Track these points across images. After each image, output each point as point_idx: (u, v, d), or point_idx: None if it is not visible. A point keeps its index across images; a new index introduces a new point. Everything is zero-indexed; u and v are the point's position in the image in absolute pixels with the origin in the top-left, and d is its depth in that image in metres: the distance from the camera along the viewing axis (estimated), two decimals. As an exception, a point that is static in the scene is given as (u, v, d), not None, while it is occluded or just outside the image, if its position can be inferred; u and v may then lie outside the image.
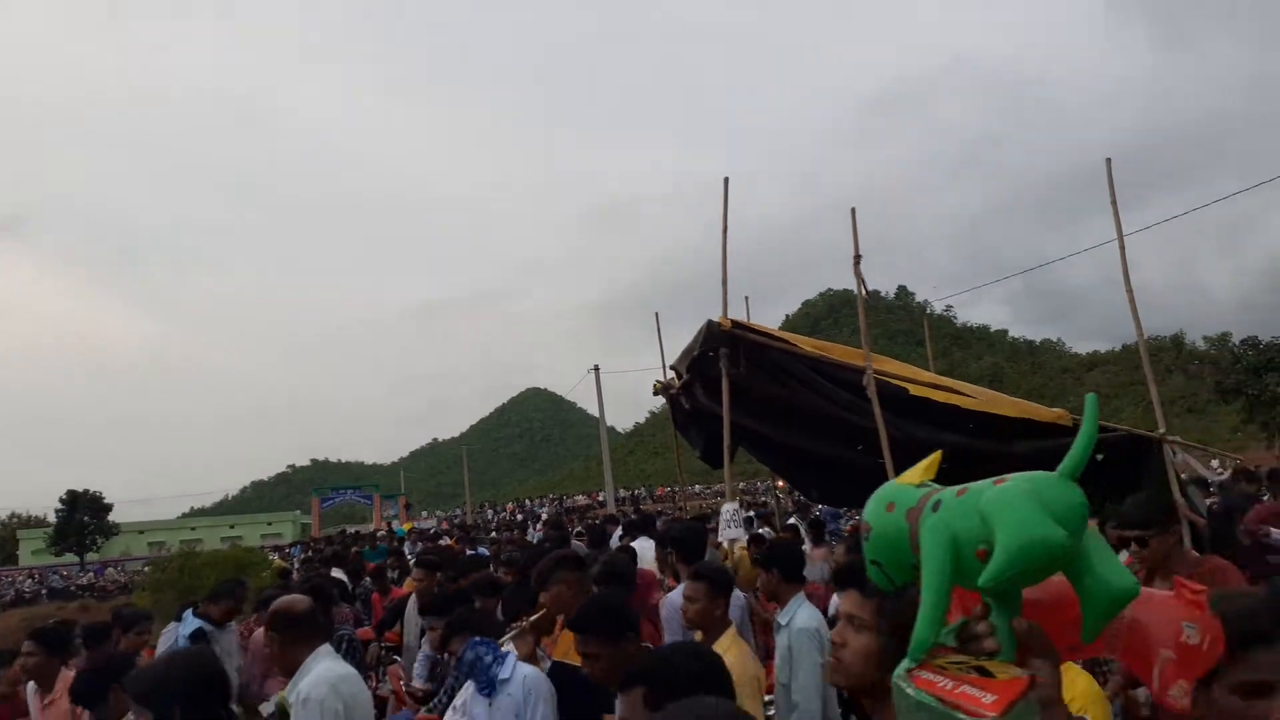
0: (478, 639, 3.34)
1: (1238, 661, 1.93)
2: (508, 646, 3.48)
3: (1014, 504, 1.13)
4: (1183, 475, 7.22)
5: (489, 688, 3.23)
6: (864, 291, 7.31)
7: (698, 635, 4.06)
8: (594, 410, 30.74)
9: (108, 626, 6.46)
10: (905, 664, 1.20)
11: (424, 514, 65.34)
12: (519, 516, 41.79)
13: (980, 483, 1.22)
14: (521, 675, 3.29)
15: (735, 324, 7.04)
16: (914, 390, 6.92)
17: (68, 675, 5.07)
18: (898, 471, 5.28)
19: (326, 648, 3.44)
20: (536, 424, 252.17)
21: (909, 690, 1.16)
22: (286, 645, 3.38)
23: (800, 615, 4.28)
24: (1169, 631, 1.35)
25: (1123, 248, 7.53)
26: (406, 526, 34.39)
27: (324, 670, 3.24)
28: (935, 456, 1.43)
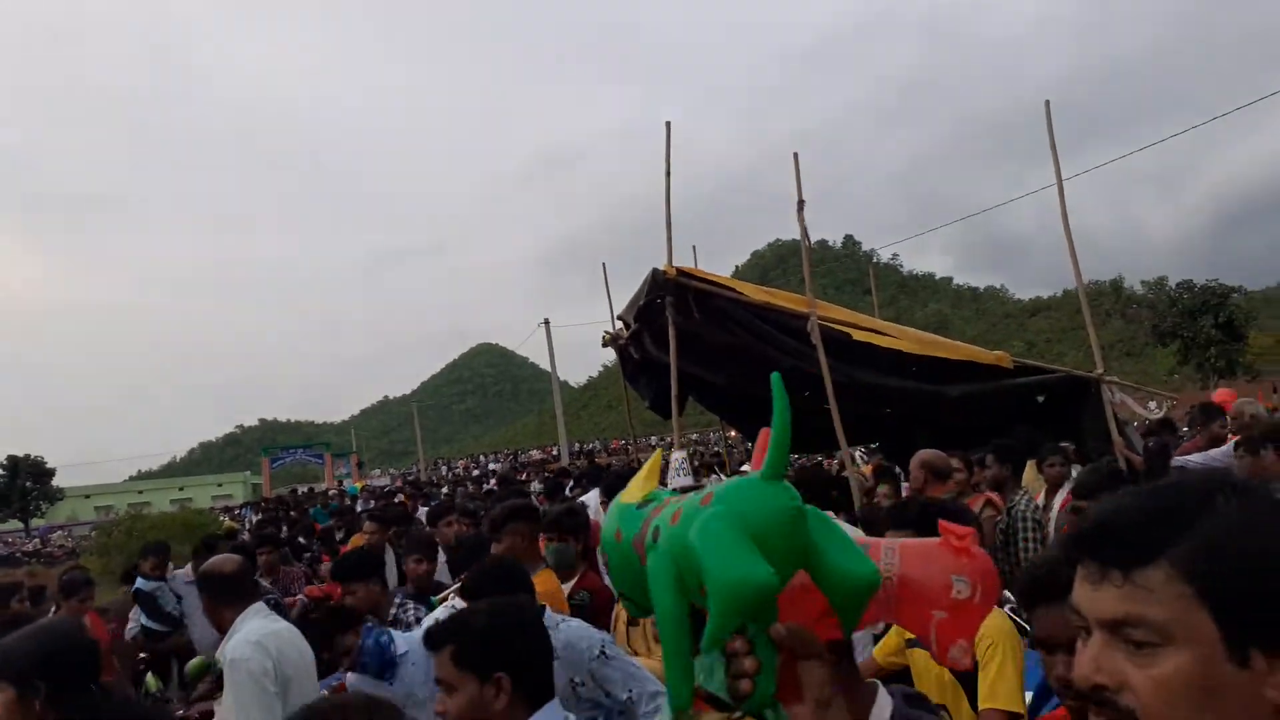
0: (369, 624, 3.16)
1: (1031, 618, 1.96)
2: (445, 606, 3.41)
3: (715, 539, 1.02)
4: (1121, 415, 7.41)
5: (392, 669, 3.07)
6: (808, 238, 7.31)
7: None
8: (546, 365, 30.67)
9: (43, 589, 6.46)
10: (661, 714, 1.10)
11: (376, 472, 64.98)
12: (474, 472, 41.74)
13: (692, 499, 1.14)
14: (416, 641, 3.12)
15: (680, 271, 7.01)
16: (857, 335, 6.97)
17: None
18: (843, 416, 5.34)
19: (257, 606, 3.39)
20: (489, 379, 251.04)
21: None
22: (217, 606, 3.36)
23: None
24: (939, 585, 1.29)
25: (1062, 192, 7.60)
26: (359, 485, 34.18)
27: (250, 630, 3.20)
28: (655, 460, 1.36)
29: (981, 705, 2.66)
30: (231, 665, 3.11)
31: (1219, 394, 7.98)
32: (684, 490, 5.04)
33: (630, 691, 3.02)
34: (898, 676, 2.90)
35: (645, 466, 1.32)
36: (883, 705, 1.53)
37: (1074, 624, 0.93)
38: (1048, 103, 7.95)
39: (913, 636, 2.84)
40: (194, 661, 5.31)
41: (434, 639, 2.17)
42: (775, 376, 1.16)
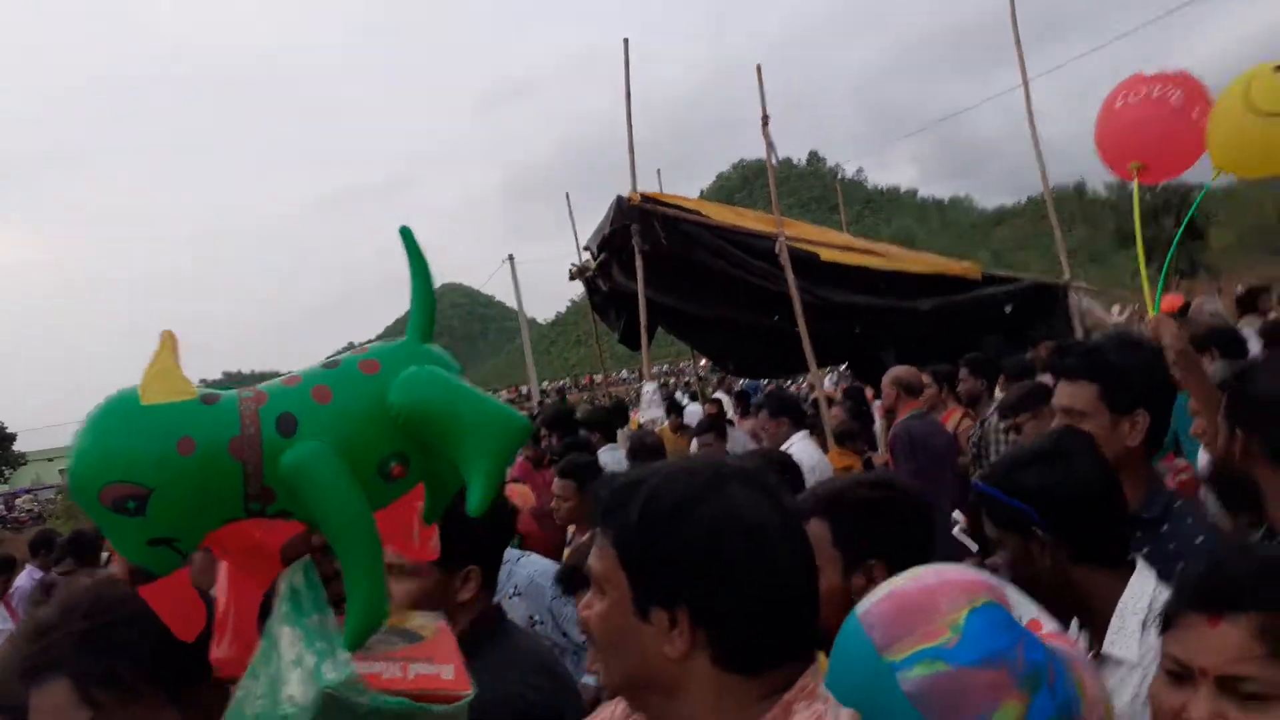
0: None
1: None
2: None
3: (453, 385, 0.92)
4: (1087, 322, 7.43)
5: None
6: (773, 156, 7.16)
7: (571, 531, 3.98)
8: (512, 303, 30.34)
9: (12, 560, 6.36)
10: (342, 666, 0.87)
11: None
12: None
13: (328, 373, 0.95)
14: None
15: (644, 197, 6.86)
16: (825, 255, 6.90)
17: None
18: (813, 337, 5.24)
19: None
20: (455, 321, 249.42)
21: (363, 699, 0.86)
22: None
23: None
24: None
25: (1028, 93, 7.49)
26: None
27: None
28: (171, 344, 0.93)
29: None
30: None
31: (1165, 300, 7.99)
32: (654, 421, 4.96)
33: None
34: None
35: (162, 359, 0.90)
36: None
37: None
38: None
39: None
40: None
41: None
42: (404, 230, 1.01)
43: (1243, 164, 2.96)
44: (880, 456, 5.54)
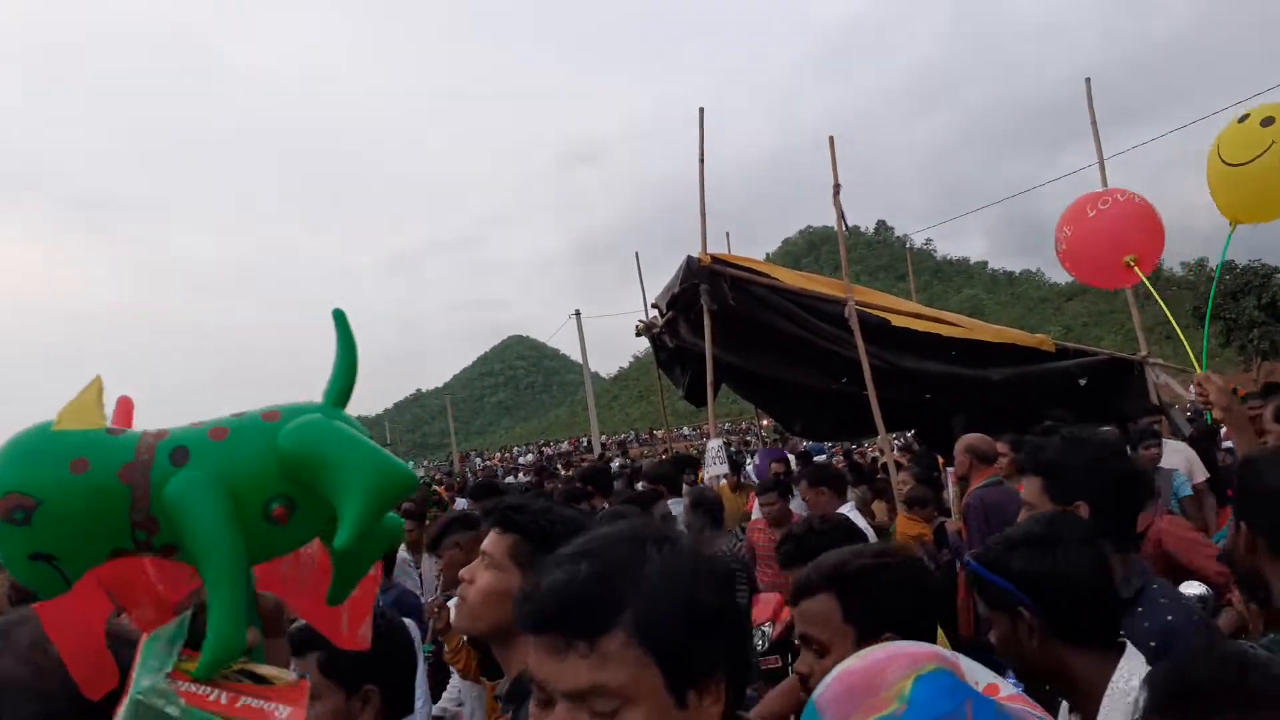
0: None
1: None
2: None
3: (343, 436, 0.94)
4: (1165, 397, 7.27)
5: None
6: (844, 222, 7.23)
7: None
8: (577, 356, 30.68)
9: None
10: (157, 677, 0.89)
11: (410, 464, 65.44)
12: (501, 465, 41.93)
13: (237, 418, 0.99)
14: None
15: (715, 258, 6.95)
16: (896, 320, 6.89)
17: None
18: (882, 402, 5.25)
19: None
20: (520, 372, 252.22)
21: (172, 710, 0.86)
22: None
23: None
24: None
25: (1103, 170, 7.46)
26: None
27: None
28: (96, 385, 0.98)
29: None
30: None
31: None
32: (717, 477, 4.98)
33: None
34: None
35: (85, 395, 0.96)
36: None
37: (537, 695, 0.97)
38: (1088, 80, 7.81)
39: None
40: None
41: (300, 645, 1.84)
42: (337, 313, 1.06)
43: (1241, 211, 3.03)
44: (954, 523, 5.46)
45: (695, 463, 10.10)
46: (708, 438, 7.91)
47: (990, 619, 1.73)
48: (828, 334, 6.86)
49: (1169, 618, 1.89)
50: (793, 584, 1.83)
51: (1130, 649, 1.64)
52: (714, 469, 7.34)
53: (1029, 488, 2.21)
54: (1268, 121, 2.92)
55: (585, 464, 18.93)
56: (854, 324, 6.57)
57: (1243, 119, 2.99)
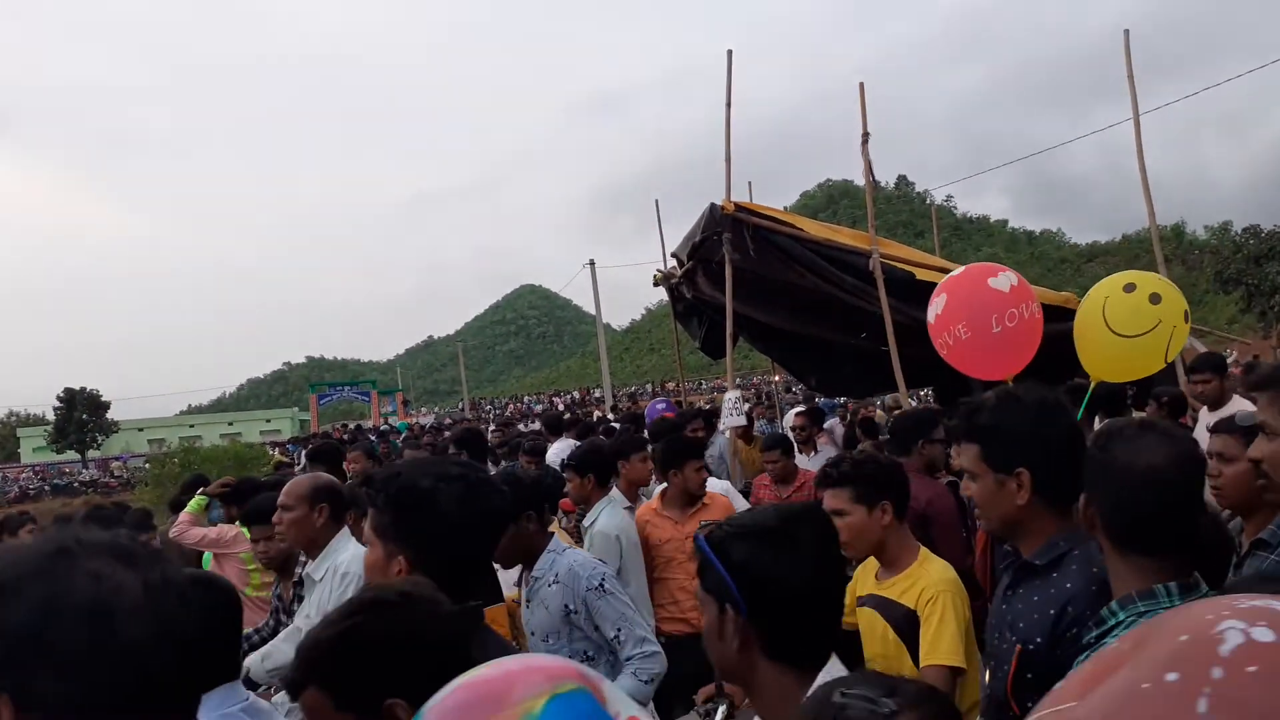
0: None
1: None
2: None
3: None
4: (1188, 360, 7.15)
5: None
6: (871, 173, 7.07)
7: None
8: (590, 307, 30.61)
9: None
10: None
11: (423, 410, 65.91)
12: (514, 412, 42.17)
13: None
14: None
15: (739, 206, 6.82)
16: (920, 275, 6.77)
17: None
18: (902, 358, 5.18)
19: (347, 530, 3.44)
20: (532, 321, 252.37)
21: None
22: (328, 521, 3.35)
23: (602, 519, 4.27)
24: None
25: (1138, 127, 7.27)
26: (407, 421, 34.65)
27: (359, 549, 3.19)
28: None
29: (922, 661, 2.53)
30: (344, 578, 3.17)
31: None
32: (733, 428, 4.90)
33: (619, 631, 3.02)
34: (847, 636, 2.77)
35: None
36: None
37: None
38: (1126, 32, 7.56)
39: (863, 594, 2.78)
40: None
41: None
42: None
43: (1114, 374, 3.15)
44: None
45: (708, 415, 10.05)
46: (720, 391, 7.84)
47: (701, 601, 1.57)
48: (850, 286, 6.74)
49: (1067, 585, 1.83)
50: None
51: (832, 664, 1.49)
52: (731, 420, 7.29)
53: (965, 455, 2.00)
54: (1155, 298, 3.03)
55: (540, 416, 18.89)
56: (878, 277, 6.45)
57: (1129, 289, 3.06)
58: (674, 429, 6.42)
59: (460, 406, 57.05)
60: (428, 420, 40.72)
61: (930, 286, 6.77)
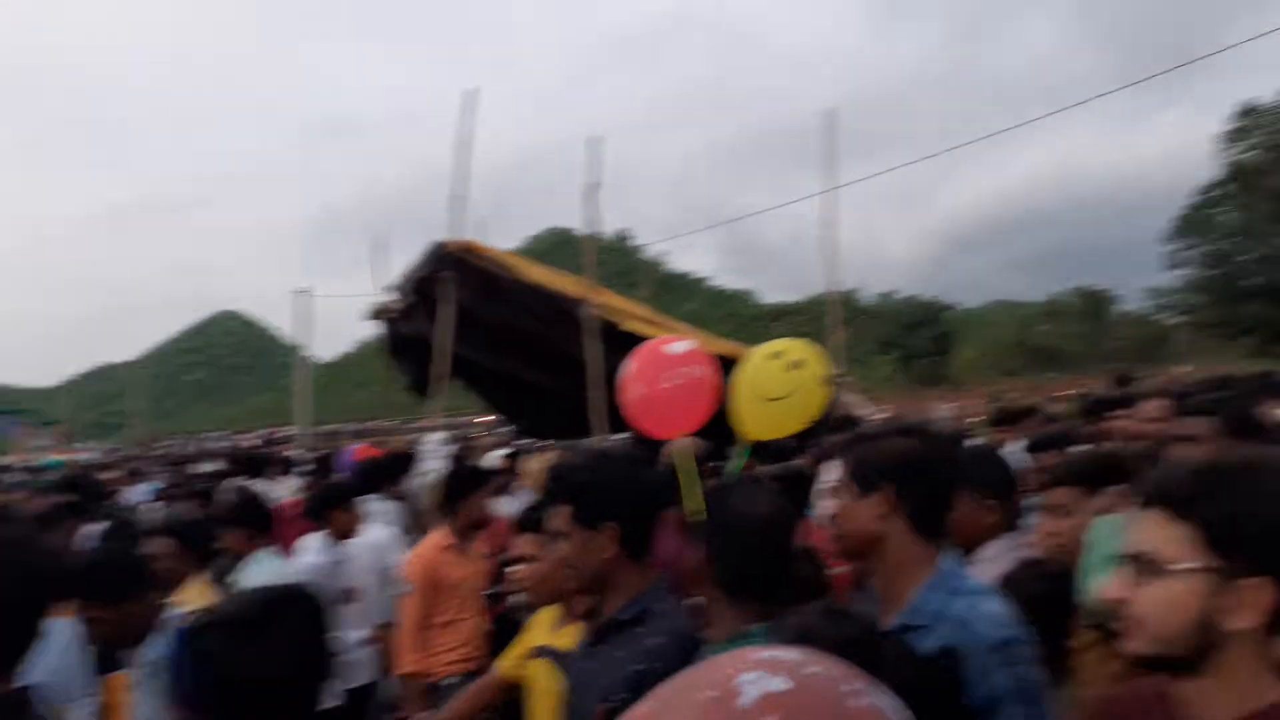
0: None
1: None
2: None
3: None
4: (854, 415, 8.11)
5: None
6: (597, 222, 7.40)
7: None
8: (291, 337, 28.81)
9: None
10: None
11: (88, 444, 58.57)
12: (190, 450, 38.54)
13: None
14: None
15: (464, 247, 6.89)
16: (625, 325, 7.17)
17: None
18: (610, 405, 5.36)
19: None
20: (225, 350, 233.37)
21: None
22: None
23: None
24: None
25: (834, 200, 8.18)
26: (61, 458, 30.47)
27: None
28: None
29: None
30: None
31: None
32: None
33: None
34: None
35: None
36: None
37: None
38: (833, 111, 8.52)
39: (542, 645, 2.60)
40: None
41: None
42: None
43: (762, 434, 3.62)
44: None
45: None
46: (423, 433, 7.75)
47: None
48: (560, 332, 7.01)
49: (651, 640, 1.90)
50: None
51: None
52: (431, 463, 7.18)
53: (558, 518, 2.01)
54: (798, 364, 3.35)
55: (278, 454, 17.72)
56: (587, 324, 6.76)
57: (775, 356, 3.43)
58: (383, 469, 6.33)
59: (132, 440, 51.30)
60: (86, 456, 36.16)
61: (632, 337, 7.23)
